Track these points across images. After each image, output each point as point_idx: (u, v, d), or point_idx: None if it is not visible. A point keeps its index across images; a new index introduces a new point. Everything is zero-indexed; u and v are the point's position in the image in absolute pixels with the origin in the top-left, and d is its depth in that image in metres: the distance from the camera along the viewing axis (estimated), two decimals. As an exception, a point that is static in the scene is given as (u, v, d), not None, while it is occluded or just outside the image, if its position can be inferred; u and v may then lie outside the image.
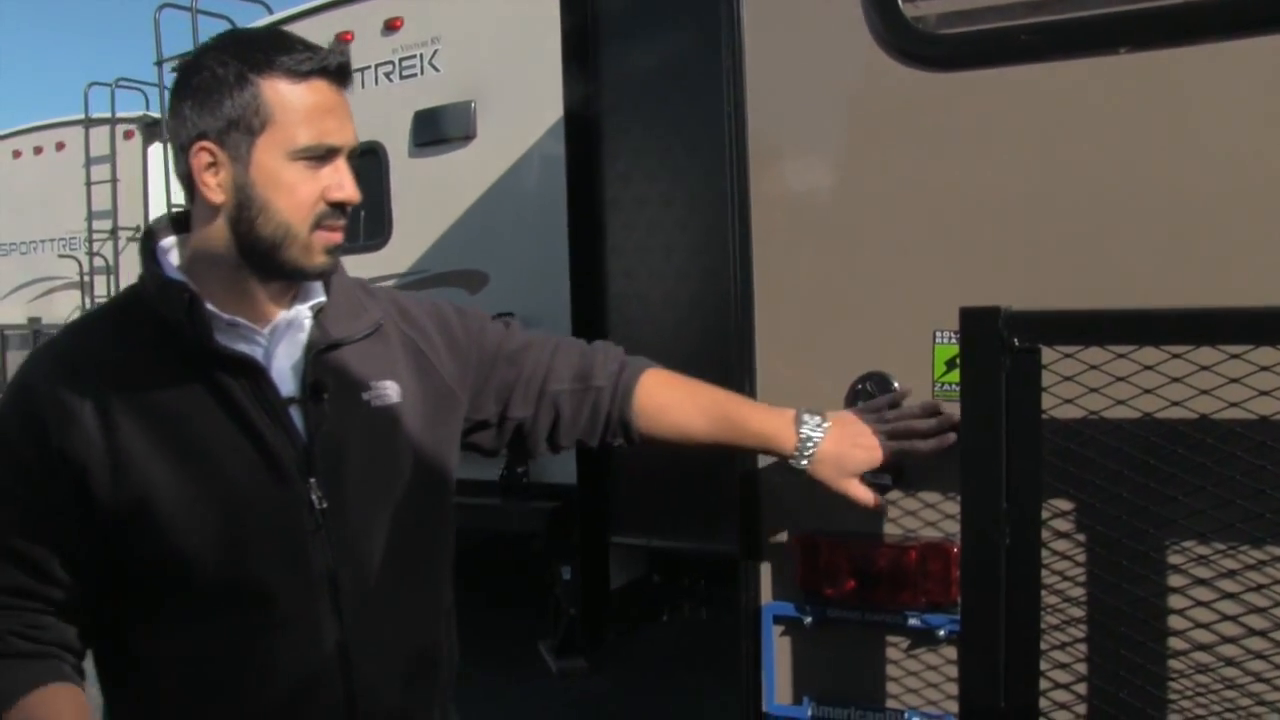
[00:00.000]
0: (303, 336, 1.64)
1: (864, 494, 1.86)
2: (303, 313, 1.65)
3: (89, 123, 9.92)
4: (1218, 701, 1.64)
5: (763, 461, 2.01)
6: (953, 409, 1.79)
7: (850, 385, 1.94)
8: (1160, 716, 1.65)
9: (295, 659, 1.56)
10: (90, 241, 9.93)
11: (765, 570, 2.03)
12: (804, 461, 1.85)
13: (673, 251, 4.22)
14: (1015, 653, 1.54)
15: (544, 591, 5.19)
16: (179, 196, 7.88)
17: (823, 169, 2.02)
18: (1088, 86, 1.75)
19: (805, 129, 2.02)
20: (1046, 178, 1.78)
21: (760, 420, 1.88)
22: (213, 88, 1.54)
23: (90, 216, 9.89)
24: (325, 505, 1.58)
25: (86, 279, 10.02)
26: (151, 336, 1.57)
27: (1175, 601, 1.64)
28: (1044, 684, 1.58)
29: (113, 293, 9.72)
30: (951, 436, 1.78)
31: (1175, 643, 1.65)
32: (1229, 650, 1.62)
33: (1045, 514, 1.58)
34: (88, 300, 10.01)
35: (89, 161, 9.89)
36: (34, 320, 10.59)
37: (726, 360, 2.04)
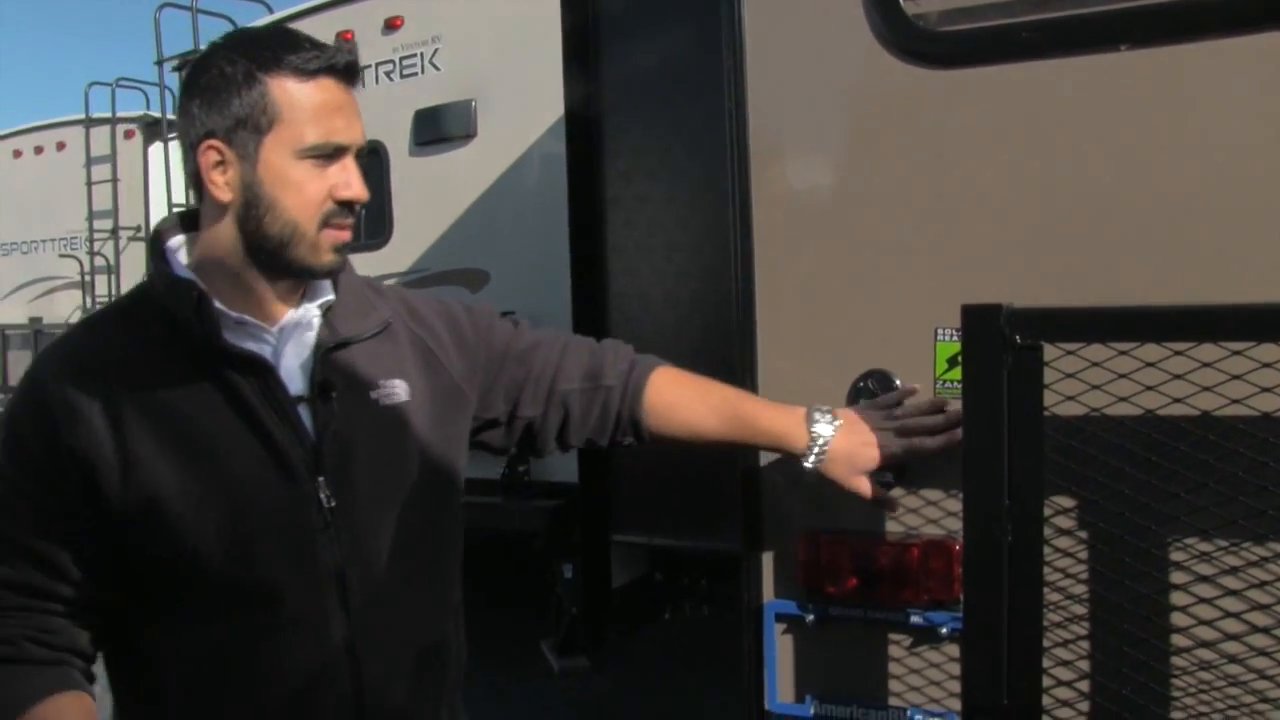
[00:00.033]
0: (311, 335, 1.64)
1: (876, 491, 1.87)
2: (311, 311, 1.65)
3: (90, 122, 9.93)
4: (1220, 698, 1.64)
5: (764, 459, 2.01)
6: (956, 406, 1.79)
7: (852, 383, 1.94)
8: (1163, 714, 1.65)
9: (303, 657, 1.56)
10: (91, 241, 9.95)
11: (767, 568, 2.03)
12: (816, 460, 1.85)
13: (674, 250, 4.22)
14: (1018, 650, 1.54)
15: (545, 590, 5.18)
16: (180, 196, 7.93)
17: (824, 167, 2.02)
18: (1088, 84, 1.74)
19: (806, 127, 2.02)
20: (1048, 175, 1.78)
21: (771, 419, 1.88)
22: (221, 86, 1.54)
23: (91, 216, 9.91)
24: (333, 504, 1.58)
25: (87, 279, 10.04)
26: (160, 335, 1.57)
27: (1178, 598, 1.64)
28: (1046, 681, 1.58)
29: (113, 292, 9.74)
30: (960, 432, 1.78)
31: (1178, 640, 1.65)
32: (1231, 647, 1.62)
33: (1047, 511, 1.58)
34: (89, 300, 10.02)
35: (90, 161, 9.91)
36: (35, 320, 10.60)
37: (728, 358, 2.04)
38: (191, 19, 7.44)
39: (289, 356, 1.62)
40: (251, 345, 1.59)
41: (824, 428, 1.85)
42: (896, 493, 1.90)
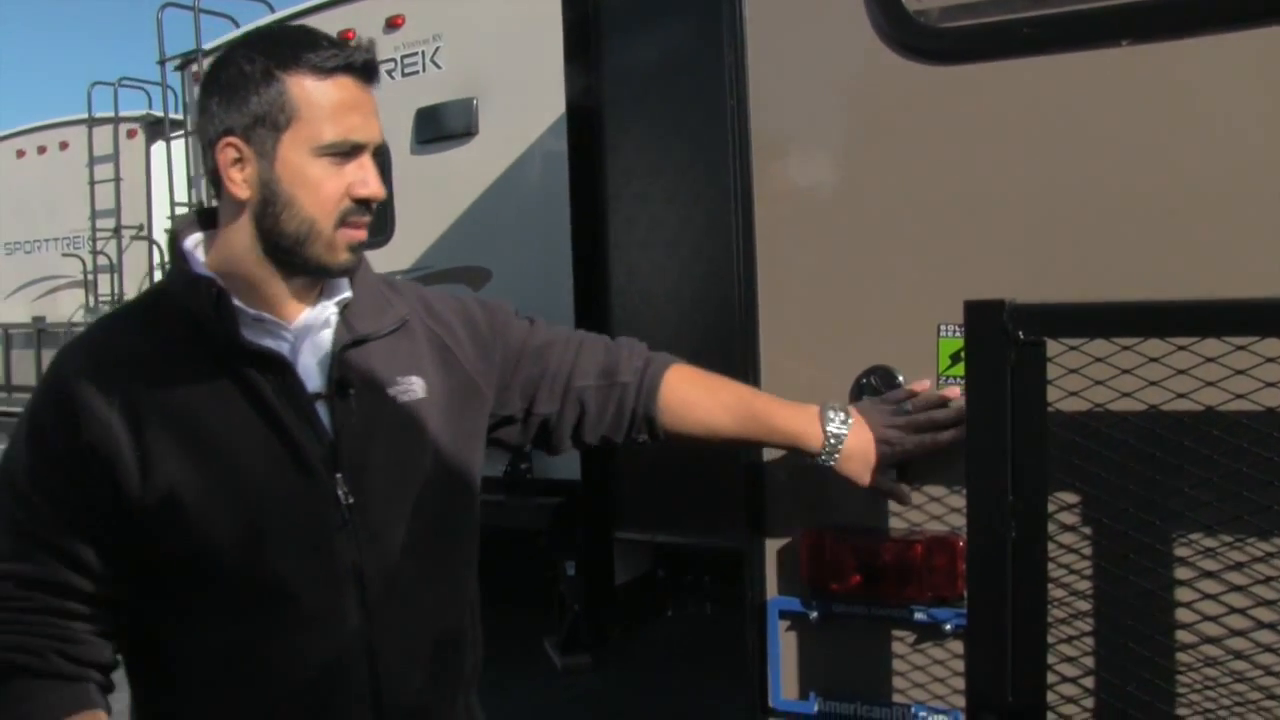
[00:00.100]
0: (329, 332, 1.65)
1: (889, 487, 1.88)
2: (329, 309, 1.66)
3: (92, 122, 9.93)
4: (1225, 695, 1.63)
5: (768, 455, 2.01)
6: (953, 401, 1.80)
7: (855, 379, 1.93)
8: (1168, 710, 1.65)
9: (321, 652, 1.57)
10: (94, 240, 9.94)
11: (771, 565, 2.03)
12: (831, 459, 1.86)
13: (676, 246, 4.22)
14: (1022, 647, 1.54)
15: (548, 587, 5.18)
16: (182, 195, 7.93)
17: (826, 163, 2.02)
18: (1090, 79, 1.74)
19: (808, 123, 2.02)
20: (1050, 170, 1.78)
21: (786, 418, 1.88)
22: (239, 84, 1.55)
23: (94, 215, 9.91)
24: (351, 500, 1.59)
25: (90, 278, 10.04)
26: (179, 332, 1.58)
27: (1182, 594, 1.64)
28: (1051, 678, 1.58)
29: (116, 291, 9.74)
30: None
31: (1182, 636, 1.65)
32: (1236, 643, 1.62)
33: (1051, 507, 1.58)
34: (91, 299, 10.02)
35: (92, 161, 9.90)
36: (38, 319, 10.61)
37: (730, 355, 2.03)
38: (194, 19, 7.43)
39: (306, 354, 1.63)
40: (269, 342, 1.60)
41: (838, 426, 1.85)
42: (902, 489, 1.90)
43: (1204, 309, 1.51)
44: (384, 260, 5.53)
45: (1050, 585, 1.58)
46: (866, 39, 1.87)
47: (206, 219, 1.68)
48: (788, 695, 2.02)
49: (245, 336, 1.57)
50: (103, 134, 9.84)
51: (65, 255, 10.32)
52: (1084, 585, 1.71)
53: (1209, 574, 1.62)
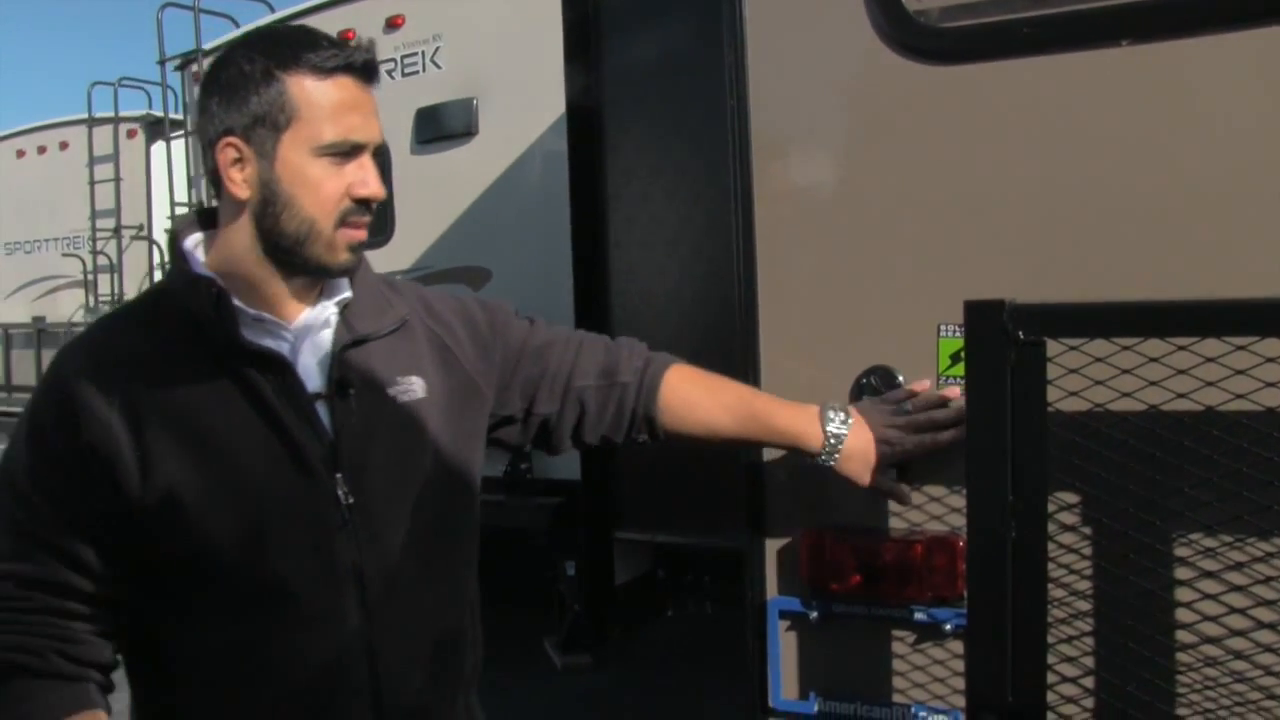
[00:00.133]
0: (329, 332, 1.65)
1: (889, 486, 1.88)
2: (329, 309, 1.66)
3: (92, 122, 9.93)
4: (1226, 695, 1.63)
5: (768, 455, 2.01)
6: (953, 401, 1.80)
7: (855, 379, 1.93)
8: (1168, 710, 1.65)
9: (321, 652, 1.57)
10: (94, 240, 9.95)
11: (771, 565, 2.03)
12: (832, 459, 1.86)
13: (676, 246, 4.22)
14: (1022, 647, 1.54)
15: (548, 587, 5.18)
16: (182, 195, 7.92)
17: (826, 163, 2.02)
18: (1090, 79, 1.74)
19: (808, 123, 2.02)
20: (1050, 170, 1.78)
21: (786, 418, 1.88)
22: (239, 84, 1.55)
23: (94, 215, 9.91)
24: (351, 500, 1.59)
25: (90, 278, 10.04)
26: (179, 332, 1.58)
27: (1182, 595, 1.64)
28: (1051, 678, 1.58)
29: (116, 291, 9.75)
30: None
31: (1182, 636, 1.65)
32: (1236, 643, 1.62)
33: (1051, 507, 1.58)
34: (91, 299, 10.03)
35: (92, 160, 9.91)
36: (38, 319, 10.61)
37: (730, 355, 2.03)
38: (194, 19, 7.44)
39: (306, 354, 1.63)
40: (269, 342, 1.60)
41: (838, 427, 1.85)
42: (902, 488, 1.90)
43: (1204, 309, 1.51)
44: (384, 260, 5.53)
45: (1050, 585, 1.58)
46: (866, 39, 1.87)
47: (206, 219, 1.68)
48: (788, 695, 2.02)
49: (245, 336, 1.57)
50: (103, 134, 9.85)
51: (65, 255, 10.32)
52: (1084, 585, 1.71)
53: (1209, 574, 1.62)
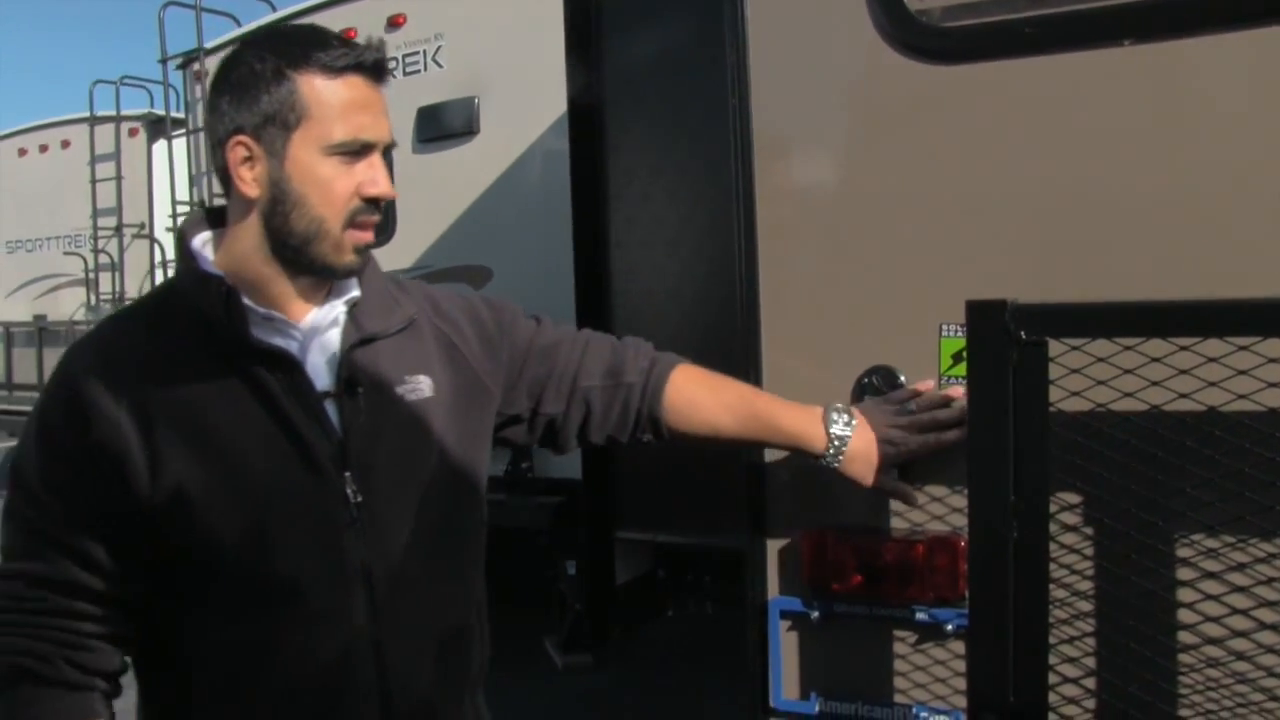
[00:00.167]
0: (337, 331, 1.65)
1: (899, 487, 1.88)
2: (337, 308, 1.66)
3: (94, 120, 9.93)
4: (1228, 696, 1.63)
5: (769, 455, 2.01)
6: (956, 401, 1.79)
7: (856, 379, 1.93)
8: (1169, 711, 1.65)
9: (330, 650, 1.57)
10: (95, 239, 9.94)
11: (772, 565, 2.03)
12: (836, 461, 1.86)
13: (677, 246, 4.21)
14: (1023, 647, 1.54)
15: (549, 587, 5.18)
16: (183, 193, 7.92)
17: (828, 163, 2.01)
18: (1092, 79, 1.74)
19: (810, 123, 2.01)
20: (1053, 170, 1.78)
21: (790, 420, 1.88)
22: (250, 83, 1.55)
23: (95, 214, 9.91)
24: (360, 499, 1.59)
25: (92, 276, 10.04)
26: (188, 331, 1.58)
27: (1184, 595, 1.64)
28: (1052, 678, 1.58)
29: (117, 289, 9.75)
30: None
31: (1184, 637, 1.64)
32: (1238, 644, 1.62)
33: (1053, 507, 1.58)
34: (93, 297, 10.03)
35: (94, 159, 9.91)
36: (39, 318, 10.61)
37: (732, 355, 2.03)
38: (196, 17, 7.44)
39: (315, 353, 1.63)
40: (278, 341, 1.60)
41: (842, 428, 1.85)
42: (907, 489, 1.90)
43: (1206, 309, 1.50)
44: (385, 259, 5.49)
45: (1052, 585, 1.58)
46: (868, 38, 1.87)
47: (214, 217, 1.68)
48: (789, 695, 2.02)
49: (255, 335, 1.57)
50: (104, 132, 9.84)
51: (67, 253, 10.32)
52: (1086, 586, 1.71)
53: (1211, 574, 1.62)
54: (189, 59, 7.05)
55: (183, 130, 7.51)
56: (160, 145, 9.40)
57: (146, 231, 9.71)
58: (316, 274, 1.63)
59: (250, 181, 1.57)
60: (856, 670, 1.97)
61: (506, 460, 4.96)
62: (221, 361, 1.56)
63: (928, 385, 1.86)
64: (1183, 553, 1.64)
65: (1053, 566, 1.57)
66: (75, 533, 1.53)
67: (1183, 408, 1.58)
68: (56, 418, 1.56)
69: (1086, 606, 1.71)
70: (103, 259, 9.97)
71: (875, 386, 1.91)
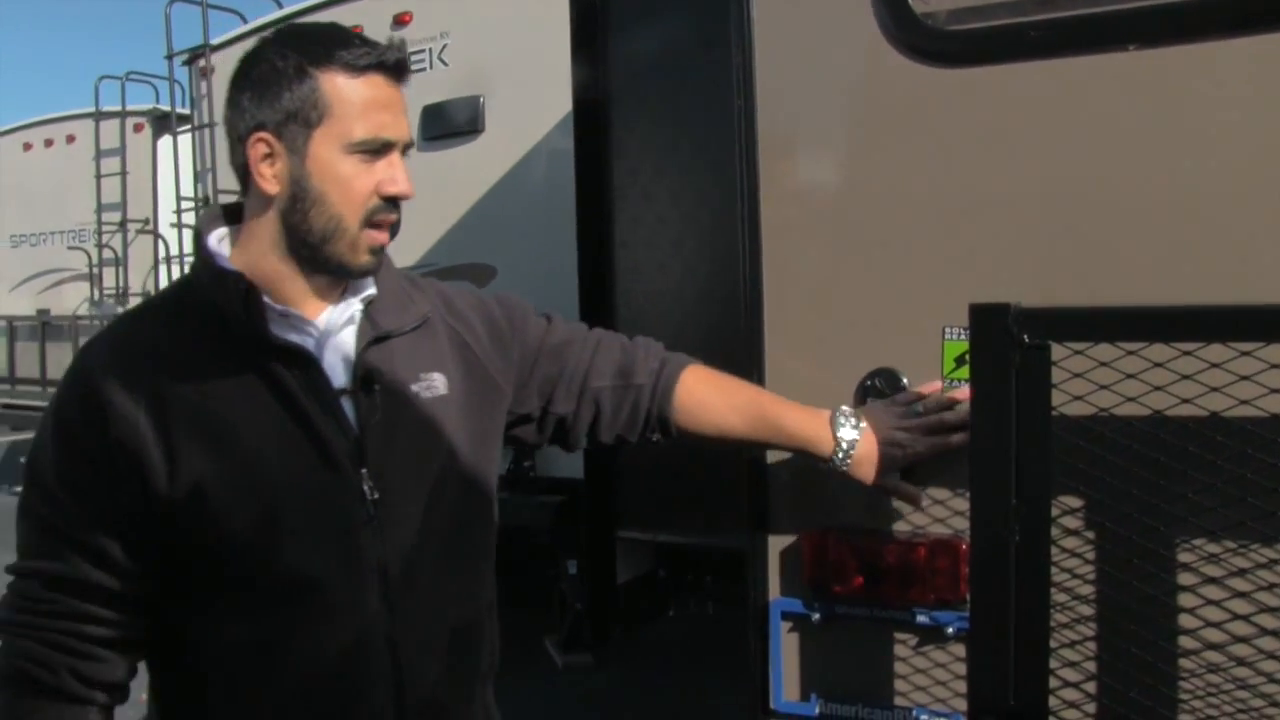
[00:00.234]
0: (352, 329, 1.66)
1: (905, 490, 1.89)
2: (353, 305, 1.66)
3: (99, 116, 9.95)
4: (1229, 701, 1.63)
5: (771, 456, 2.01)
6: (963, 404, 1.79)
7: (859, 381, 1.93)
8: (1170, 715, 1.65)
9: (346, 644, 1.58)
10: (99, 234, 9.96)
11: (773, 566, 2.03)
12: (844, 465, 1.87)
13: (680, 246, 4.21)
14: (1024, 651, 1.54)
15: (550, 586, 5.18)
16: (187, 189, 7.92)
17: (832, 164, 2.01)
18: (1097, 83, 1.74)
19: (815, 125, 2.02)
20: (1056, 174, 1.78)
21: (799, 423, 1.89)
22: (272, 80, 1.56)
23: (100, 209, 9.93)
24: (377, 495, 1.59)
25: (95, 271, 10.05)
26: (204, 327, 1.58)
27: (1185, 600, 1.64)
28: (1053, 682, 1.58)
29: (120, 284, 9.76)
30: None
31: (1185, 641, 1.64)
32: (1240, 649, 1.62)
33: (1055, 511, 1.58)
34: (96, 292, 10.04)
35: (99, 154, 9.92)
36: (43, 312, 10.63)
37: (735, 356, 2.03)
38: (202, 14, 7.45)
39: (331, 350, 1.63)
40: (295, 338, 1.60)
41: (849, 432, 1.86)
42: (915, 491, 1.90)
43: (1209, 314, 1.51)
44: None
45: (1053, 589, 1.58)
46: (873, 41, 1.87)
47: (230, 214, 1.68)
48: (789, 697, 2.02)
49: (272, 332, 1.58)
50: (109, 128, 9.86)
51: (71, 248, 10.33)
52: (1087, 589, 1.71)
53: (1212, 579, 1.62)
54: (195, 55, 7.05)
55: (188, 126, 7.52)
56: (165, 141, 9.40)
57: (151, 227, 9.72)
58: (332, 273, 1.63)
59: (270, 178, 1.57)
60: (857, 672, 1.97)
61: (508, 459, 4.96)
62: (238, 358, 1.57)
63: (934, 387, 1.86)
64: (1184, 557, 1.64)
65: (1054, 570, 1.57)
66: (91, 531, 1.53)
67: (1185, 412, 1.58)
68: (73, 415, 1.56)
69: (1087, 610, 1.71)
70: (106, 254, 9.99)
71: (878, 389, 1.91)
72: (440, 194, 5.46)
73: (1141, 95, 1.71)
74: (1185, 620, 1.64)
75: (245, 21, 7.67)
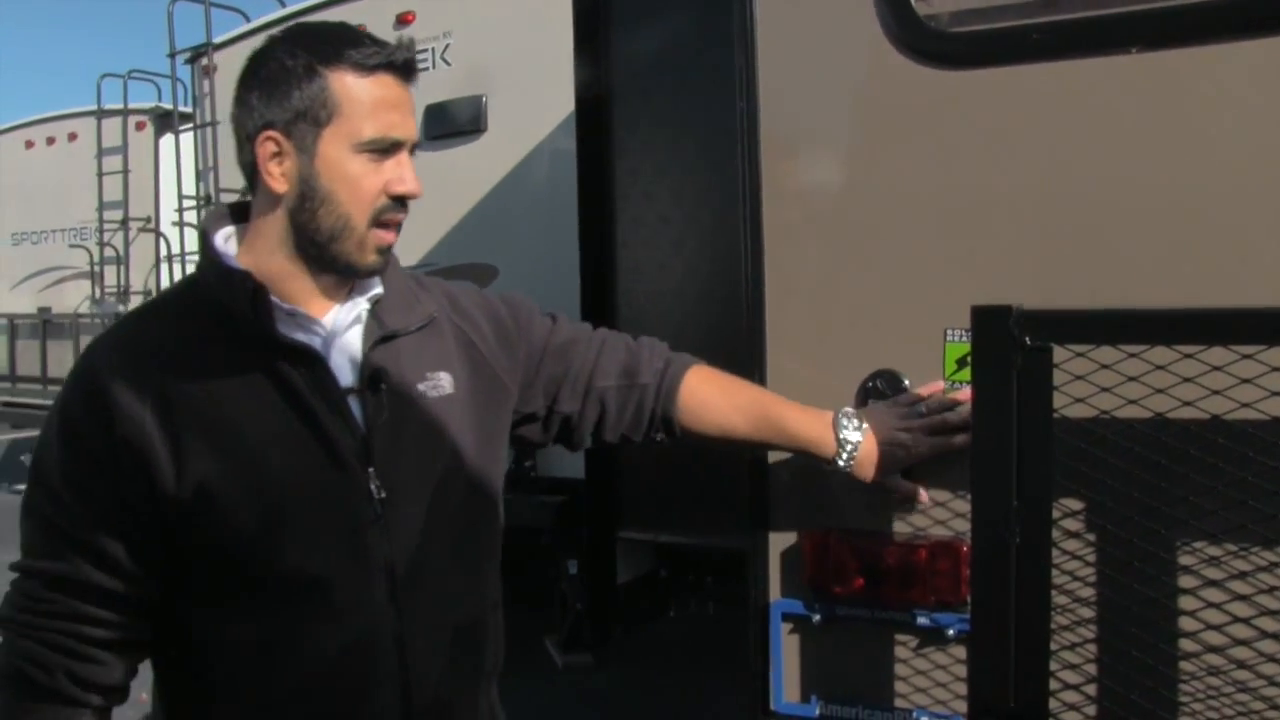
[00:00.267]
0: (359, 328, 1.66)
1: (908, 489, 1.89)
2: (360, 304, 1.67)
3: (101, 114, 9.95)
4: (1229, 704, 1.63)
5: (772, 457, 2.01)
6: (966, 404, 1.79)
7: (860, 383, 1.93)
8: (1171, 718, 1.65)
9: (353, 643, 1.58)
10: (101, 232, 9.96)
11: (774, 567, 2.03)
12: (848, 466, 1.87)
13: (682, 246, 4.21)
14: (1025, 653, 1.54)
15: (550, 586, 5.18)
16: (189, 188, 7.92)
17: (834, 166, 2.01)
18: (1099, 86, 1.74)
19: (817, 126, 2.02)
20: (1059, 176, 1.78)
21: (800, 423, 1.89)
22: (281, 79, 1.56)
23: (101, 207, 9.93)
24: (384, 495, 1.59)
25: (97, 269, 10.06)
26: (211, 326, 1.58)
27: (1186, 602, 1.64)
28: (1053, 684, 1.58)
29: (122, 283, 9.76)
30: None
31: (1186, 644, 1.65)
32: (1240, 652, 1.62)
33: (1056, 513, 1.58)
34: (97, 290, 10.05)
35: (101, 152, 9.92)
36: (44, 310, 10.63)
37: (736, 357, 2.03)
38: (204, 12, 7.45)
39: (338, 349, 1.63)
40: (302, 337, 1.60)
41: (852, 433, 1.86)
42: (919, 491, 1.90)
43: (1211, 317, 1.51)
44: (390, 256, 5.52)
45: (1054, 591, 1.58)
46: (876, 42, 1.87)
47: (237, 213, 1.69)
48: (789, 698, 2.02)
49: (280, 330, 1.58)
50: (111, 126, 9.86)
51: (72, 246, 10.33)
52: (1087, 592, 1.71)
53: (1213, 582, 1.62)
54: (197, 53, 7.06)
55: (190, 125, 7.52)
56: (167, 139, 9.41)
57: (152, 225, 9.72)
58: (339, 272, 1.63)
59: (278, 177, 1.57)
60: (857, 673, 1.97)
61: (509, 459, 4.95)
62: (245, 357, 1.56)
63: (936, 388, 1.86)
64: (1185, 560, 1.64)
65: (1055, 572, 1.57)
66: (95, 531, 1.53)
67: (1186, 415, 1.58)
68: (78, 414, 1.56)
69: (1088, 612, 1.71)
70: (108, 252, 10.00)
71: (879, 390, 1.91)
72: (443, 193, 5.46)
73: (1144, 98, 1.71)
74: (1186, 623, 1.64)
75: (248, 20, 7.68)
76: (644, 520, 4.48)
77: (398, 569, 1.60)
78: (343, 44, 1.57)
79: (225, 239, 1.66)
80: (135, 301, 9.49)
